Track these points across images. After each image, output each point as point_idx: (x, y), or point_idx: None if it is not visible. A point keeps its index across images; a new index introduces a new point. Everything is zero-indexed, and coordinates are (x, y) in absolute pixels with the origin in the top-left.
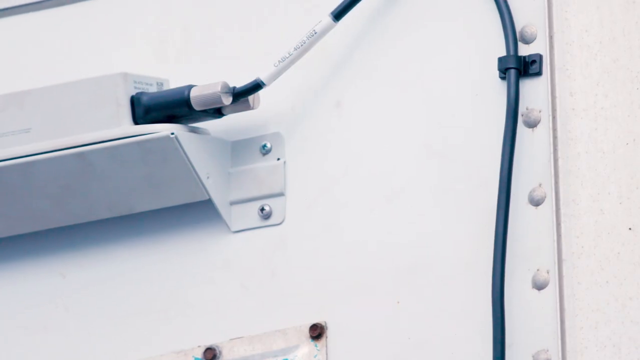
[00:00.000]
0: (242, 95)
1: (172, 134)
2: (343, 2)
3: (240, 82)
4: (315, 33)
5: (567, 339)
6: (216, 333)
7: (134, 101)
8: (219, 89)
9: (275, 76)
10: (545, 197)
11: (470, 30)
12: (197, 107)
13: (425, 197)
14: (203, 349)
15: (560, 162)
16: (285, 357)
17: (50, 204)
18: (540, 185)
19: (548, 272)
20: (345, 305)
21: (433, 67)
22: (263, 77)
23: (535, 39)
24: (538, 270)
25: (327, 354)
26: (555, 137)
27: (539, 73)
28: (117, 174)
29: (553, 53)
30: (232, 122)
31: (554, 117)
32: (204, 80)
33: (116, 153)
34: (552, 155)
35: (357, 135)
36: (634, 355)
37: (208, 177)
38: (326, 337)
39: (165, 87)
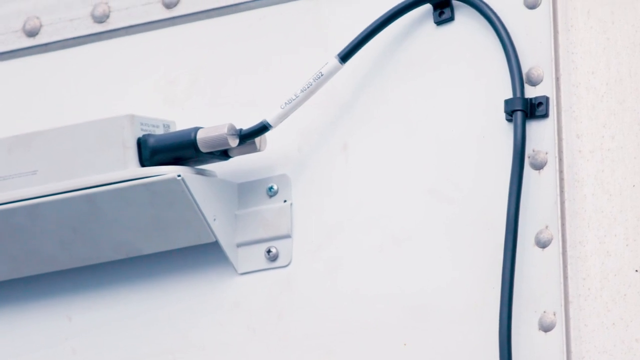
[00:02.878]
0: (249, 137)
1: (179, 176)
2: (349, 44)
3: (246, 124)
4: (322, 75)
5: None
6: None
7: (141, 143)
8: (225, 131)
9: (281, 118)
10: (551, 239)
11: (477, 73)
12: (203, 149)
13: (431, 239)
14: None
15: (566, 204)
16: None
17: (57, 246)
18: (546, 227)
19: (555, 314)
20: (352, 347)
21: (439, 109)
22: (269, 119)
23: (541, 81)
24: (545, 312)
25: None
26: (561, 179)
27: (545, 115)
28: (124, 216)
29: (559, 95)
30: (239, 164)
31: (560, 159)
32: (211, 122)
33: (123, 195)
34: (558, 197)
35: (364, 177)
36: None
37: (215, 219)
38: None
39: (171, 129)
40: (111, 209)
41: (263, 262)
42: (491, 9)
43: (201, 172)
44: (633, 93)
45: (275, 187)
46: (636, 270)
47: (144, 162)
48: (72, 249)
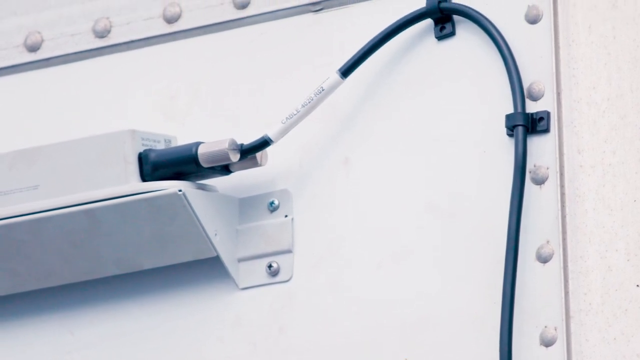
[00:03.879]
0: (250, 152)
1: (180, 191)
2: (351, 59)
3: (248, 139)
4: (323, 90)
5: None
6: None
7: (142, 158)
8: (226, 146)
9: (282, 133)
10: (553, 253)
11: (478, 88)
12: (204, 164)
13: (432, 254)
14: None
15: (568, 218)
16: None
17: (59, 260)
18: (548, 242)
19: (556, 329)
20: None
21: (440, 123)
22: (271, 134)
23: (542, 96)
24: (546, 327)
25: None
26: (563, 194)
27: (546, 130)
28: (125, 231)
29: (561, 110)
30: (240, 179)
31: (561, 174)
32: (212, 137)
33: (124, 210)
34: (559, 212)
35: (365, 192)
36: None
37: (216, 234)
38: None
39: (173, 144)
40: (112, 224)
41: (264, 277)
42: (492, 24)
43: (202, 187)
44: (634, 108)
45: (276, 202)
46: (637, 285)
47: (145, 177)
48: (73, 263)
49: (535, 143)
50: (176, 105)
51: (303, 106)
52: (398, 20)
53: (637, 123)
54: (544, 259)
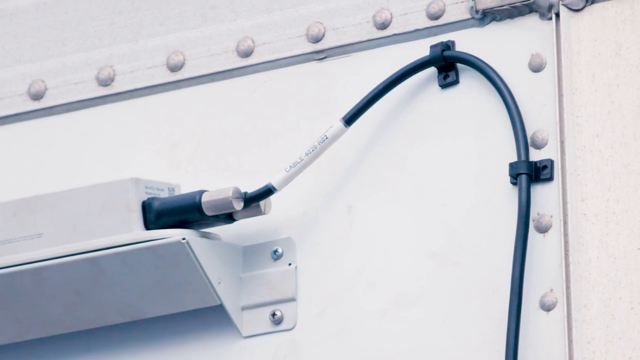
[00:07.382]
0: (254, 200)
1: (184, 239)
2: (354, 107)
3: (251, 187)
4: (327, 138)
5: None
6: None
7: (146, 206)
8: (230, 194)
9: (286, 181)
10: (556, 302)
11: (482, 136)
12: (208, 213)
13: (436, 302)
14: None
15: (571, 267)
16: None
17: (62, 309)
18: (551, 290)
19: None
20: None
21: (444, 171)
22: (274, 182)
23: (546, 144)
24: None
25: None
26: (566, 242)
27: (550, 178)
28: (129, 279)
29: (564, 158)
30: (244, 227)
31: (565, 222)
32: (216, 185)
33: (127, 258)
34: (563, 261)
35: (369, 241)
36: None
37: (219, 283)
38: None
39: (176, 193)
40: (116, 272)
41: (268, 325)
42: (496, 72)
43: (206, 236)
44: (638, 156)
45: (280, 250)
46: None
47: (148, 225)
48: (76, 312)
49: (539, 191)
50: (180, 154)
51: (307, 154)
52: (402, 69)
53: None
54: (547, 307)
